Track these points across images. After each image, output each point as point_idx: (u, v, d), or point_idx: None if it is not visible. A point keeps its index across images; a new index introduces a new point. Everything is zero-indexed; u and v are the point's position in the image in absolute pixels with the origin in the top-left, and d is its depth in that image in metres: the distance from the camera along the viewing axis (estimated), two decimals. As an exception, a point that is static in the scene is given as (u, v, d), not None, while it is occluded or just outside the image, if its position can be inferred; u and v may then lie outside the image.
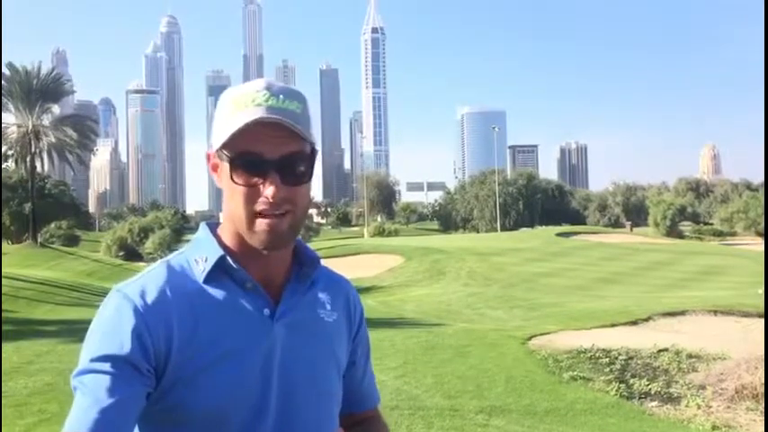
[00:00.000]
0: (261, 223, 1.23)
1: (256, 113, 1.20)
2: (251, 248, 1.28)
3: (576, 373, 9.31)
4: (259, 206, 1.22)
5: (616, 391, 8.52)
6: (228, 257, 1.29)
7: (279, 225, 1.23)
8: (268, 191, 1.21)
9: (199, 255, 1.31)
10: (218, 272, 1.28)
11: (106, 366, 1.17)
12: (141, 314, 1.21)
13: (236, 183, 1.23)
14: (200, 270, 1.29)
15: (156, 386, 1.21)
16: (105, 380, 1.16)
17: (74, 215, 68.44)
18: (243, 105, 1.22)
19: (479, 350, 10.90)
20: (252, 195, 1.22)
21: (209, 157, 1.31)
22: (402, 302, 21.55)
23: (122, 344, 1.19)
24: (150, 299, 1.23)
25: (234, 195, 1.24)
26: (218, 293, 1.28)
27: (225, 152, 1.24)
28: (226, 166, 1.24)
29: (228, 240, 1.31)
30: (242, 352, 1.26)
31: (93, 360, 1.18)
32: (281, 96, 1.24)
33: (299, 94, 1.28)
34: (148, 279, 1.27)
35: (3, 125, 43.80)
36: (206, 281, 1.28)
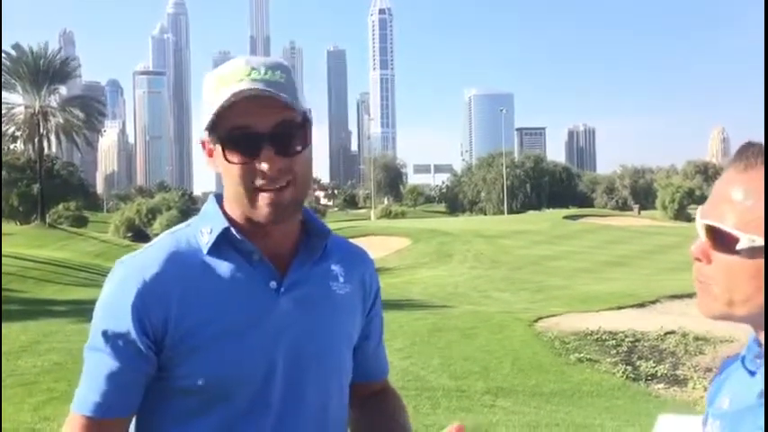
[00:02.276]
0: (263, 197, 1.21)
1: (239, 87, 1.18)
2: (256, 222, 1.26)
3: (582, 355, 9.33)
4: (258, 181, 1.21)
5: (622, 373, 8.54)
6: (233, 229, 1.27)
7: (281, 197, 1.21)
8: (264, 165, 1.19)
9: (204, 226, 1.30)
10: (224, 244, 1.27)
11: (107, 346, 1.20)
12: (141, 289, 1.21)
13: (230, 162, 1.21)
14: (204, 242, 1.28)
15: (159, 359, 1.23)
16: (106, 361, 1.20)
17: (82, 196, 68.61)
18: (225, 83, 1.20)
19: (486, 332, 10.92)
20: (249, 172, 1.20)
21: (203, 145, 1.29)
22: (409, 284, 21.59)
23: (122, 321, 1.20)
24: (152, 273, 1.23)
25: (230, 175, 1.22)
26: (222, 266, 1.26)
27: (215, 132, 1.22)
28: (218, 146, 1.22)
29: (235, 214, 1.30)
30: (245, 325, 1.25)
31: (96, 336, 1.22)
32: (263, 69, 1.21)
33: (280, 63, 1.26)
34: (152, 252, 1.27)
35: (11, 106, 43.93)
36: (210, 252, 1.27)
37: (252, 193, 1.21)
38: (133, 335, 1.19)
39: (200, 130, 1.30)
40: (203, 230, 1.29)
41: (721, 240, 0.98)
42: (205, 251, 1.27)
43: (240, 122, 1.19)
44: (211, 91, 1.22)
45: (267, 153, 1.19)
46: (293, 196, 1.23)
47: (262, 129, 1.19)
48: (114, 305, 1.22)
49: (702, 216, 1.02)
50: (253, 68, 1.21)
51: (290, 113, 1.22)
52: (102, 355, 1.20)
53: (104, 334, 1.21)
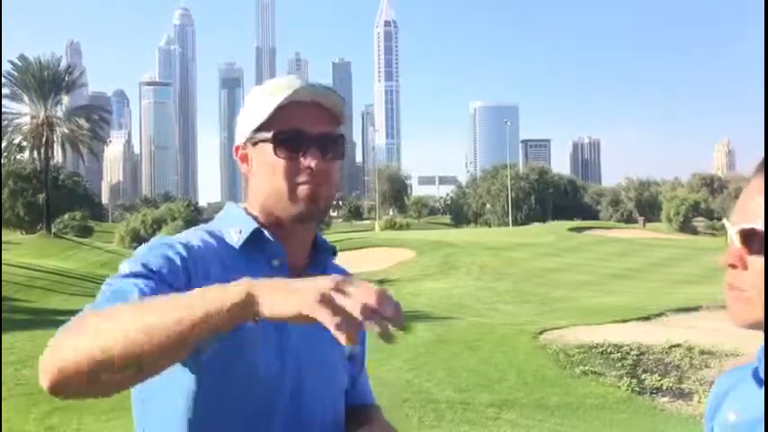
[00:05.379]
0: (302, 190, 1.30)
1: (297, 91, 1.30)
2: (277, 229, 1.33)
3: (587, 367, 9.31)
4: (302, 177, 1.30)
5: (627, 386, 8.51)
6: (265, 231, 1.33)
7: (318, 192, 1.31)
8: (311, 162, 1.29)
9: (232, 227, 1.35)
10: (250, 245, 1.33)
11: (143, 271, 1.17)
12: (186, 253, 1.23)
13: (279, 157, 1.30)
14: (234, 241, 1.33)
15: None
16: (137, 281, 1.15)
17: (87, 206, 69.00)
18: (281, 90, 1.31)
19: (490, 344, 10.91)
20: (295, 168, 1.30)
21: (236, 150, 1.38)
22: (413, 296, 21.55)
23: (166, 263, 1.20)
24: (194, 246, 1.27)
25: (276, 170, 1.31)
26: (248, 266, 1.28)
27: (264, 132, 1.31)
28: (266, 145, 1.31)
29: (261, 217, 1.36)
30: (262, 327, 1.24)
31: (132, 266, 1.19)
32: (318, 86, 1.34)
33: (333, 89, 1.38)
34: (189, 235, 1.32)
35: (17, 116, 44.21)
36: (240, 251, 1.32)
37: (294, 187, 1.30)
38: (172, 281, 1.17)
39: (239, 136, 1.39)
40: (231, 231, 1.34)
41: (759, 243, 0.98)
42: (237, 248, 1.32)
43: (294, 125, 1.31)
44: (262, 97, 1.33)
45: (314, 153, 1.30)
46: (326, 196, 1.33)
47: (312, 131, 1.31)
48: (159, 253, 1.21)
49: (734, 223, 1.02)
50: (309, 83, 1.34)
51: (333, 126, 1.35)
52: (135, 279, 1.16)
53: (141, 269, 1.18)
